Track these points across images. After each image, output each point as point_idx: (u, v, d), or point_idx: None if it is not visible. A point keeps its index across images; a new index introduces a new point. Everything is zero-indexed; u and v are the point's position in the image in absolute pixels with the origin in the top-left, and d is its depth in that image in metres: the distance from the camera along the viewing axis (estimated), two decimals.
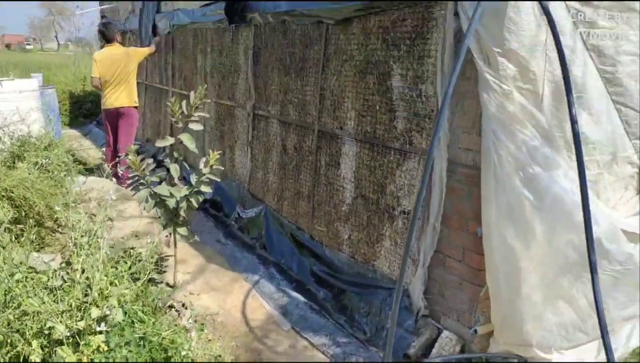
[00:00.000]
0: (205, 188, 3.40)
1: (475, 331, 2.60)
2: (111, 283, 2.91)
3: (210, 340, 2.96)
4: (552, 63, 2.25)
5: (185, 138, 3.36)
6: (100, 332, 2.36)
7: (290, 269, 3.75)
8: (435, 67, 2.58)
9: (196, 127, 3.40)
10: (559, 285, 2.38)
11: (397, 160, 2.92)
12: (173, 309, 3.28)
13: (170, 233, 3.63)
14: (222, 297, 3.45)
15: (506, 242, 2.35)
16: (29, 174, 4.49)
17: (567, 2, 2.27)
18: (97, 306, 2.50)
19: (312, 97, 3.64)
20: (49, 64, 19.35)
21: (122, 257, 3.35)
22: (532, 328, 2.44)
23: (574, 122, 1.95)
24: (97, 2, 9.95)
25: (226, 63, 4.90)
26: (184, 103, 3.36)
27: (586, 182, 1.94)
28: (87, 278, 2.86)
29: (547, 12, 2.00)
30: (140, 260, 3.30)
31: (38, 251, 3.88)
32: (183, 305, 3.22)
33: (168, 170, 3.46)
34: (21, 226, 3.90)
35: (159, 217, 3.60)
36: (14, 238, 3.69)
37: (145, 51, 6.06)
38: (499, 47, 2.19)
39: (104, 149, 6.42)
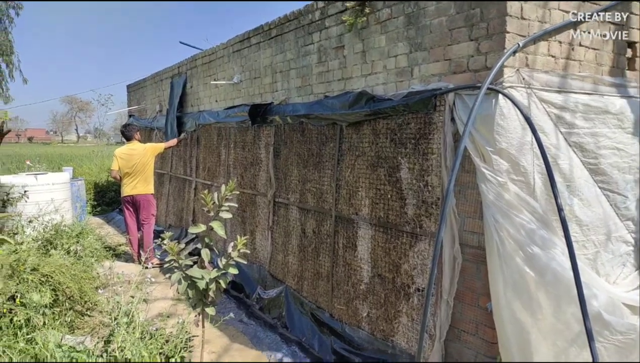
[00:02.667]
0: (233, 270, 3.70)
1: None
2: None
3: None
4: (539, 158, 2.65)
5: (216, 225, 3.72)
6: None
7: (312, 347, 3.92)
8: (438, 162, 2.99)
9: (226, 215, 3.77)
10: (568, 355, 2.59)
11: (410, 242, 3.24)
12: None
13: (198, 314, 3.87)
14: None
15: (515, 316, 2.59)
16: (64, 260, 4.83)
17: (547, 110, 2.72)
18: None
19: (329, 187, 4.05)
20: (72, 155, 20.42)
21: (153, 336, 3.57)
22: None
23: (560, 209, 2.30)
24: (126, 103, 10.89)
25: (248, 157, 5.41)
26: (215, 194, 3.77)
27: (575, 259, 2.24)
28: (125, 356, 3.08)
29: (527, 119, 2.43)
30: (169, 340, 3.53)
31: (70, 333, 4.10)
32: None
33: (200, 254, 3.78)
34: (53, 309, 4.16)
35: (189, 299, 3.86)
36: (47, 321, 3.95)
37: (162, 145, 6.79)
38: (491, 146, 2.61)
39: (127, 235, 6.82)
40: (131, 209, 6.59)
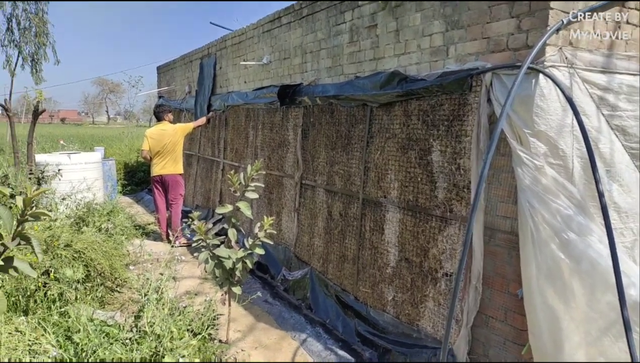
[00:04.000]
0: (259, 251, 3.72)
1: None
2: (173, 338, 3.19)
3: None
4: (579, 141, 2.54)
5: (242, 205, 3.74)
6: None
7: (336, 329, 3.92)
8: (471, 145, 2.91)
9: (252, 195, 3.78)
10: (601, 345, 2.50)
11: (439, 226, 3.18)
12: None
13: (225, 292, 3.92)
14: (271, 354, 3.63)
15: (547, 303, 2.52)
16: (96, 237, 4.95)
17: (590, 90, 2.60)
18: (169, 355, 2.76)
19: (357, 169, 4.01)
20: (102, 136, 20.90)
21: (182, 312, 3.63)
22: None
23: (601, 195, 2.20)
24: (156, 85, 11.02)
25: (276, 138, 5.40)
26: (242, 174, 3.78)
27: (615, 245, 2.15)
28: (154, 331, 3.15)
29: (569, 100, 2.32)
30: (196, 317, 3.59)
31: (100, 308, 4.21)
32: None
33: (227, 234, 3.81)
34: (85, 285, 4.28)
35: (216, 278, 3.91)
36: (79, 296, 4.07)
37: (191, 125, 6.88)
38: (529, 128, 2.51)
39: (156, 214, 6.95)
40: (160, 189, 6.71)
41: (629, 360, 2.50)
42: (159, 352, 2.83)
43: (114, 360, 2.77)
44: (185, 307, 3.81)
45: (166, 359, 2.69)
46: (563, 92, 2.38)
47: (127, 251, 5.35)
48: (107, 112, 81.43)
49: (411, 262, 3.41)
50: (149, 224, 7.38)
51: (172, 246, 6.26)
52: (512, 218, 2.70)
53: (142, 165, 11.16)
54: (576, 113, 2.29)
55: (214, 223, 5.42)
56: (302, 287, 4.61)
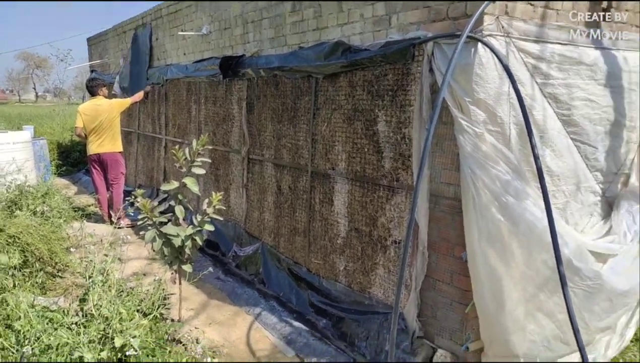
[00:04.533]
0: (209, 227, 3.66)
1: (467, 348, 2.87)
2: (122, 319, 3.10)
3: None
4: (515, 109, 2.65)
5: (189, 181, 3.64)
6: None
7: (290, 302, 3.97)
8: (414, 114, 2.96)
9: (199, 171, 3.68)
10: (538, 300, 2.70)
11: (386, 195, 3.25)
12: (180, 344, 3.45)
13: (175, 271, 3.84)
14: (226, 330, 3.63)
15: (489, 264, 2.66)
16: (31, 221, 4.66)
17: (525, 59, 2.70)
18: (119, 336, 2.68)
19: (304, 142, 3.99)
20: (31, 115, 19.49)
21: (130, 293, 3.53)
22: (517, 341, 2.73)
23: (536, 158, 2.32)
24: (87, 58, 10.34)
25: (220, 112, 5.26)
26: (187, 150, 3.66)
27: (551, 208, 2.29)
28: (101, 314, 3.04)
29: (506, 69, 2.41)
30: (146, 298, 3.50)
31: (42, 295, 4.01)
32: (197, 340, 3.37)
33: (174, 212, 3.70)
34: (24, 271, 4.05)
35: (165, 257, 3.81)
36: (16, 283, 3.85)
37: (128, 100, 6.54)
38: (469, 97, 2.58)
39: (95, 196, 6.63)
40: (98, 168, 6.38)
41: (565, 312, 2.71)
42: (108, 334, 2.74)
43: (60, 345, 2.66)
44: (133, 288, 3.71)
45: (116, 341, 2.61)
46: (500, 61, 2.46)
47: (67, 234, 5.09)
48: (34, 89, 75.73)
49: (361, 231, 3.47)
50: (89, 206, 7.04)
51: (116, 227, 6.04)
52: (455, 185, 2.81)
53: (77, 144, 10.54)
54: (513, 81, 2.38)
55: (160, 202, 5.24)
56: (254, 262, 4.61)
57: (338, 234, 3.69)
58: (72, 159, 10.61)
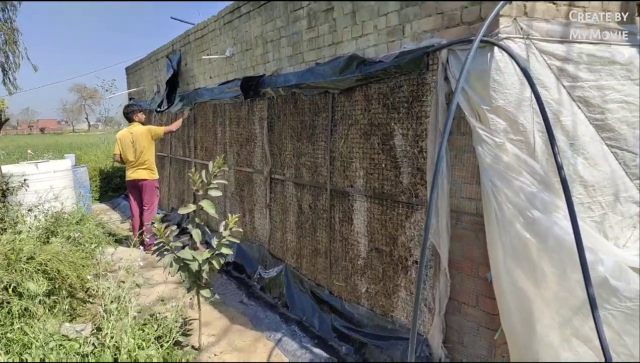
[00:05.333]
0: (226, 251, 3.58)
1: None
2: (139, 347, 3.05)
3: None
4: (540, 115, 2.43)
5: (205, 204, 3.59)
6: None
7: (312, 326, 3.81)
8: (430, 126, 2.79)
9: (215, 193, 3.63)
10: (573, 324, 2.42)
11: (406, 212, 3.07)
12: None
13: (193, 296, 3.78)
14: (245, 357, 3.51)
15: (516, 285, 2.42)
16: (62, 247, 4.75)
17: (548, 62, 2.49)
18: None
19: (322, 160, 3.88)
20: (81, 144, 20.51)
21: (149, 321, 3.49)
22: None
23: (559, 167, 2.10)
24: (125, 87, 10.75)
25: (243, 133, 5.24)
26: (203, 172, 3.63)
27: (577, 221, 2.05)
28: (116, 342, 3.00)
29: (524, 72, 2.21)
30: (162, 324, 3.44)
31: (70, 321, 4.04)
32: None
33: (191, 235, 3.66)
34: (54, 297, 4.11)
35: (183, 281, 3.76)
36: (47, 310, 3.89)
37: (162, 130, 6.49)
38: (487, 104, 2.39)
39: (131, 220, 6.75)
40: (135, 194, 6.49)
41: (597, 338, 2.42)
42: None
43: None
44: (152, 315, 3.67)
45: None
46: (518, 64, 2.26)
47: (97, 260, 5.16)
48: (87, 119, 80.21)
49: (381, 251, 3.29)
50: (123, 230, 7.18)
51: (147, 252, 6.10)
52: (477, 200, 2.60)
53: (118, 170, 10.90)
54: (532, 85, 2.18)
55: (178, 225, 5.23)
56: (277, 285, 4.49)
57: (359, 254, 3.51)
58: (114, 184, 10.96)
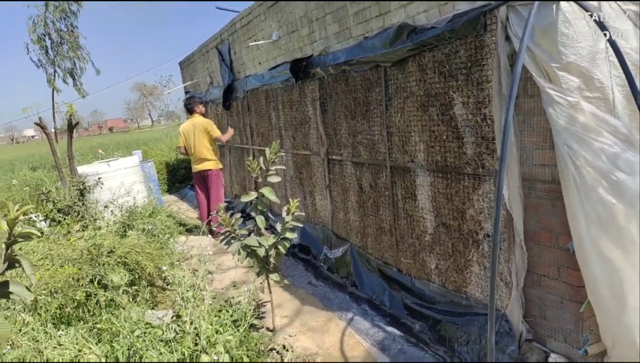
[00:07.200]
0: (291, 235, 3.61)
1: (586, 351, 2.46)
2: (217, 332, 3.17)
3: None
4: (617, 68, 2.19)
5: (266, 191, 3.63)
6: None
7: (383, 304, 3.78)
8: (493, 90, 2.61)
9: (274, 179, 3.65)
10: None
11: (472, 184, 2.92)
12: (274, 351, 3.45)
13: (264, 280, 3.87)
14: (319, 337, 3.56)
15: (603, 254, 2.24)
16: (138, 239, 5.03)
17: (624, 7, 2.23)
18: (207, 353, 2.73)
19: (379, 136, 3.78)
20: (146, 139, 21.54)
21: (224, 306, 3.62)
22: None
23: None
24: (181, 81, 11.08)
25: (297, 116, 5.23)
26: (261, 159, 3.65)
27: None
28: (195, 328, 3.14)
29: (598, 23, 1.99)
30: (238, 309, 3.55)
31: (152, 308, 4.29)
32: (284, 347, 3.37)
33: (256, 222, 3.73)
34: (135, 287, 4.37)
35: (252, 267, 3.85)
36: (130, 299, 4.15)
37: (216, 134, 6.45)
38: (556, 62, 2.19)
39: (198, 210, 7.02)
40: (200, 184, 6.73)
41: None
42: (198, 350, 2.81)
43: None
44: (227, 300, 3.80)
45: (203, 358, 2.66)
46: (589, 13, 2.04)
47: (170, 250, 5.43)
48: (149, 115, 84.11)
49: (449, 226, 3.18)
50: (193, 219, 7.49)
51: (216, 239, 6.32)
52: (551, 166, 2.42)
53: (182, 162, 11.34)
54: (607, 35, 1.96)
55: (242, 211, 5.36)
56: (344, 265, 4.49)
57: (425, 231, 3.42)
58: (179, 176, 11.45)
